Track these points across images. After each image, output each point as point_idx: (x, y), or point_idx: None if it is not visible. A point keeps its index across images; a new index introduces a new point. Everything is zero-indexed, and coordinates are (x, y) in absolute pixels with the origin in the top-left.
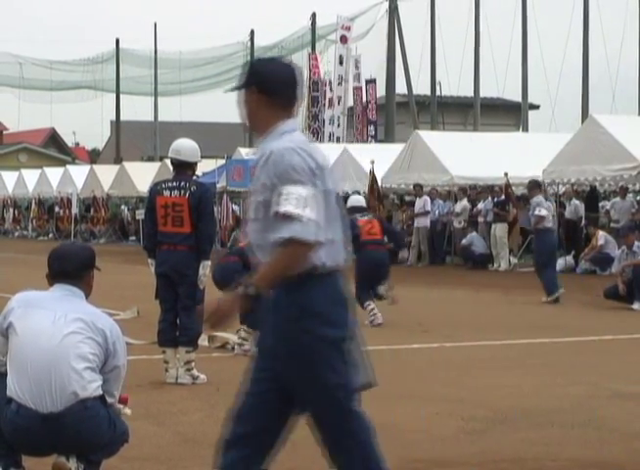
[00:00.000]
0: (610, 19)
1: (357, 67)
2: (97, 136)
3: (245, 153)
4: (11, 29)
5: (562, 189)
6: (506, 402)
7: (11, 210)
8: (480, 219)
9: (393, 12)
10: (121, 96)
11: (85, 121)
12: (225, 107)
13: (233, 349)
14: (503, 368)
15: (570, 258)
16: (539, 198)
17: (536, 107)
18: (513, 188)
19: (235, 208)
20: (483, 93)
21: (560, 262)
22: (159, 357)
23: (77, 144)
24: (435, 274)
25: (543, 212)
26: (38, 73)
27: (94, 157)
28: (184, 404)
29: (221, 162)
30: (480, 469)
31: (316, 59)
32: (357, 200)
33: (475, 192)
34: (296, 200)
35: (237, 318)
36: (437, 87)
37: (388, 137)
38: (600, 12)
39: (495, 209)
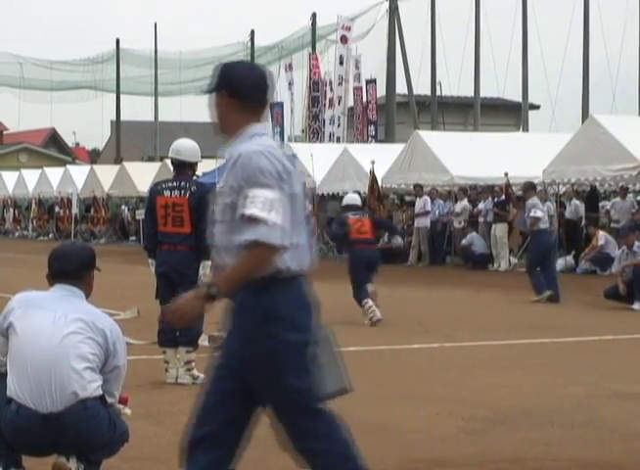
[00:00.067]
0: (610, 18)
1: (357, 67)
2: (97, 136)
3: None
4: (11, 29)
5: (562, 189)
6: (506, 402)
7: (11, 210)
8: (481, 219)
9: (394, 12)
10: (122, 96)
11: (85, 121)
12: None
13: None
14: (503, 368)
15: (570, 259)
16: (534, 200)
17: (537, 107)
18: (513, 188)
19: None
20: (484, 93)
21: (560, 262)
22: (159, 357)
23: (78, 144)
24: (436, 274)
25: (539, 214)
26: (38, 73)
27: (94, 157)
28: (184, 404)
29: (221, 162)
30: (481, 469)
31: (316, 59)
32: (352, 198)
33: (475, 192)
34: (262, 203)
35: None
36: (438, 87)
37: (389, 137)
38: (600, 11)
39: (495, 209)
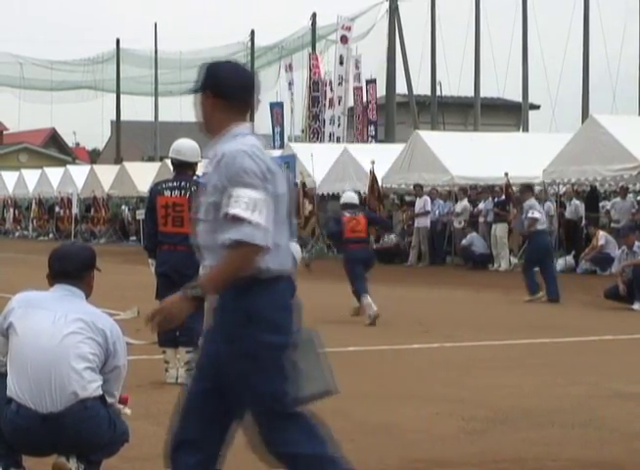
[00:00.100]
0: (610, 18)
1: (358, 67)
2: (97, 136)
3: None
4: (11, 29)
5: (562, 189)
6: (506, 402)
7: (11, 210)
8: (481, 219)
9: (394, 12)
10: (122, 96)
11: (85, 121)
12: None
13: None
14: (503, 368)
15: (570, 259)
16: (531, 201)
17: (537, 107)
18: (513, 188)
19: None
20: (484, 93)
21: (560, 262)
22: (159, 357)
23: (78, 144)
24: (436, 274)
25: (536, 215)
26: (38, 73)
27: (94, 157)
28: None
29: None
30: (481, 469)
31: (316, 59)
32: (349, 197)
33: (475, 192)
34: (245, 203)
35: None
36: (438, 87)
37: (389, 137)
38: (600, 11)
39: (495, 209)
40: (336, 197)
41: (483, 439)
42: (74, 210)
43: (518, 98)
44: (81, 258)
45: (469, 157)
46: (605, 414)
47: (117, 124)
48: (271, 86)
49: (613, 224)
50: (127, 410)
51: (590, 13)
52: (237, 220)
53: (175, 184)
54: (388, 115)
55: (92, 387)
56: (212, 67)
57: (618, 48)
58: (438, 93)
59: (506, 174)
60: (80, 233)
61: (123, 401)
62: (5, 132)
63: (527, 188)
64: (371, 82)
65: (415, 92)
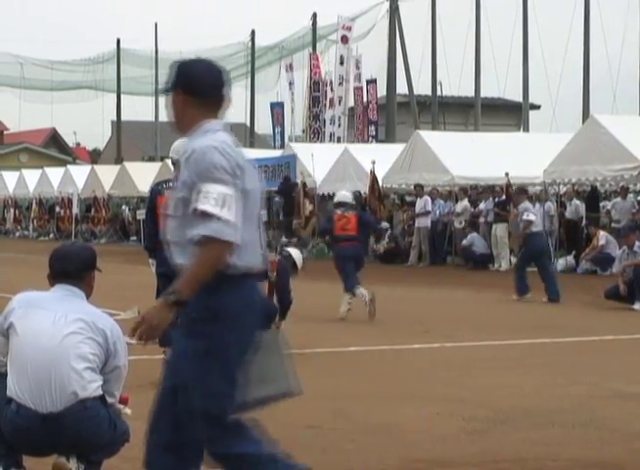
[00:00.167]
0: (611, 18)
1: (358, 67)
2: (98, 136)
3: (245, 153)
4: (11, 29)
5: (563, 189)
6: (507, 402)
7: (12, 210)
8: (481, 220)
9: (394, 12)
10: (122, 96)
11: (86, 121)
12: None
13: None
14: (504, 368)
15: (570, 259)
16: (526, 203)
17: (537, 107)
18: (514, 188)
19: None
20: (484, 93)
21: (560, 262)
22: (159, 357)
23: (78, 144)
24: (436, 274)
25: (532, 217)
26: (39, 74)
27: (95, 157)
28: None
29: None
30: (481, 469)
31: (317, 59)
32: (342, 195)
33: (475, 192)
34: (214, 199)
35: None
36: (438, 87)
37: (389, 137)
38: (601, 11)
39: (496, 209)
40: None
41: (484, 439)
42: (75, 210)
43: (518, 98)
44: (82, 258)
45: (469, 157)
46: (605, 414)
47: (118, 124)
48: (272, 86)
49: (613, 224)
50: (128, 410)
51: (591, 12)
52: (206, 216)
53: None
54: (389, 115)
55: (92, 387)
56: (183, 65)
57: (619, 48)
58: (439, 93)
59: (506, 174)
60: (81, 233)
61: (124, 401)
62: (5, 132)
63: (522, 191)
64: (371, 82)
65: (415, 92)
